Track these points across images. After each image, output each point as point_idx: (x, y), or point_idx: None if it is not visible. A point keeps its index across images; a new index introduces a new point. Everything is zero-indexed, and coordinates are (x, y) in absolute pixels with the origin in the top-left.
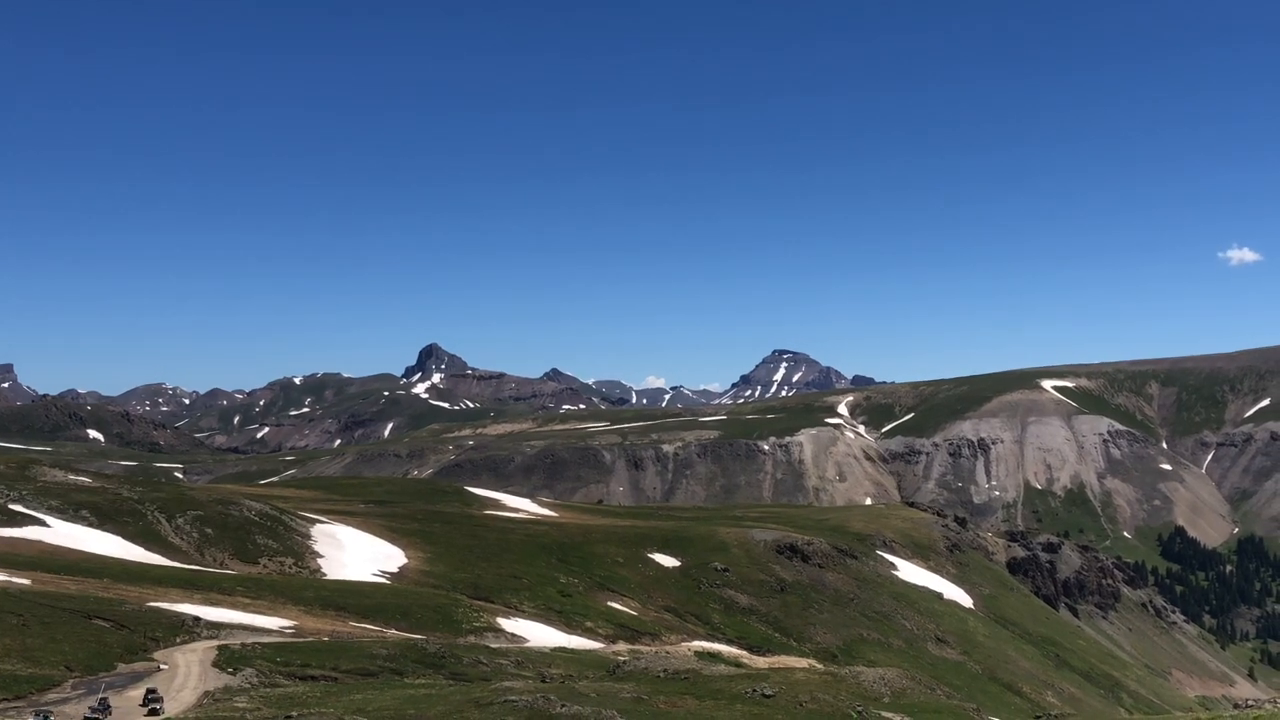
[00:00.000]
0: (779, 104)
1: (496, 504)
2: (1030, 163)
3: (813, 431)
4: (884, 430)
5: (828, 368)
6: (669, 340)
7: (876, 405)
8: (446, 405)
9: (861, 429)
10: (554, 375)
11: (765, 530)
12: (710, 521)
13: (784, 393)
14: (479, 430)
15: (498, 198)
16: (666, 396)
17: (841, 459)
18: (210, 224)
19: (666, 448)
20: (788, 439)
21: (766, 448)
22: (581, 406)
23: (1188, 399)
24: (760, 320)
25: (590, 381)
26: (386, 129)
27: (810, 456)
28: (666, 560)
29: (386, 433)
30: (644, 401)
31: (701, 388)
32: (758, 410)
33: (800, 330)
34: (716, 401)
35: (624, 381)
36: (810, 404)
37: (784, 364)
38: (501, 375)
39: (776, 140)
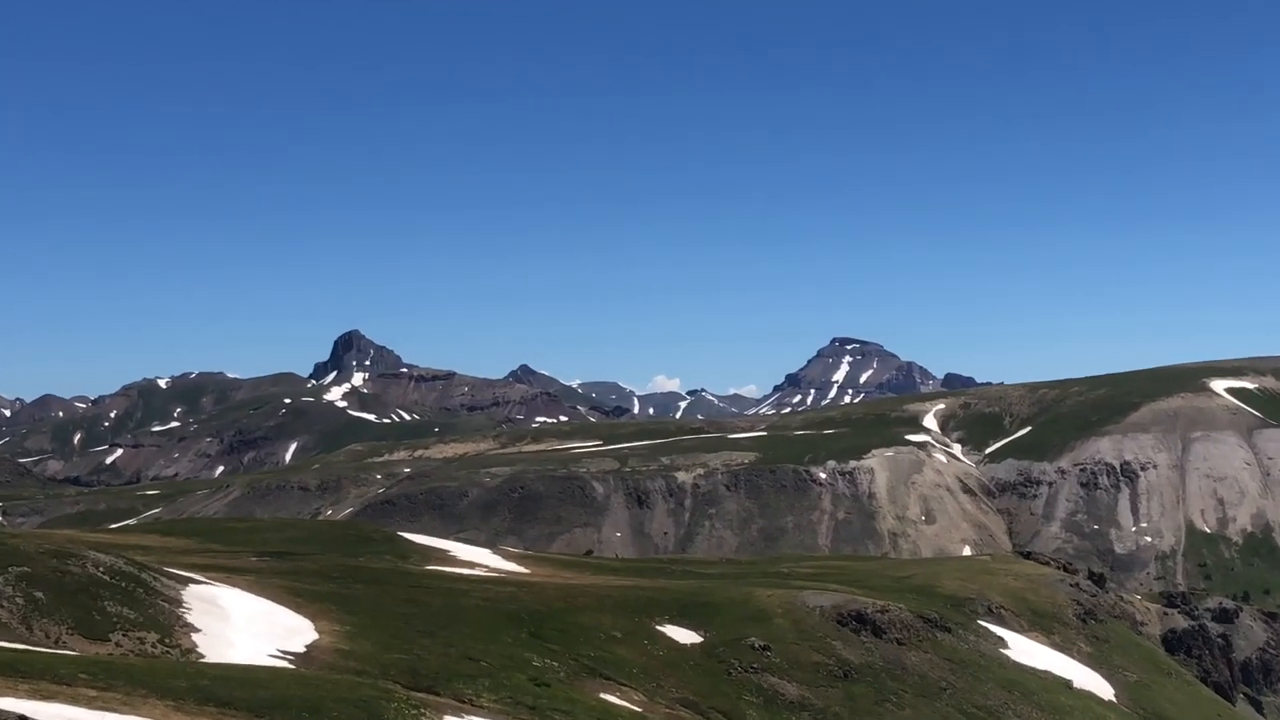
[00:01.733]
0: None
1: (444, 556)
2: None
3: (889, 453)
4: (988, 451)
5: (908, 363)
6: (684, 327)
7: (978, 415)
8: (373, 417)
9: (957, 449)
10: (523, 374)
11: (821, 593)
12: (744, 580)
13: (847, 398)
14: (419, 452)
15: (441, 128)
16: (682, 405)
17: (929, 491)
18: (40, 177)
19: (682, 476)
20: (853, 463)
21: (823, 476)
22: (563, 419)
23: None
24: (813, 300)
25: (574, 384)
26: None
27: (885, 488)
28: (682, 635)
29: (288, 456)
30: (650, 411)
31: (731, 392)
32: (811, 423)
33: (868, 314)
34: (753, 411)
35: (622, 384)
36: (885, 414)
37: (847, 359)
38: (451, 375)
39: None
